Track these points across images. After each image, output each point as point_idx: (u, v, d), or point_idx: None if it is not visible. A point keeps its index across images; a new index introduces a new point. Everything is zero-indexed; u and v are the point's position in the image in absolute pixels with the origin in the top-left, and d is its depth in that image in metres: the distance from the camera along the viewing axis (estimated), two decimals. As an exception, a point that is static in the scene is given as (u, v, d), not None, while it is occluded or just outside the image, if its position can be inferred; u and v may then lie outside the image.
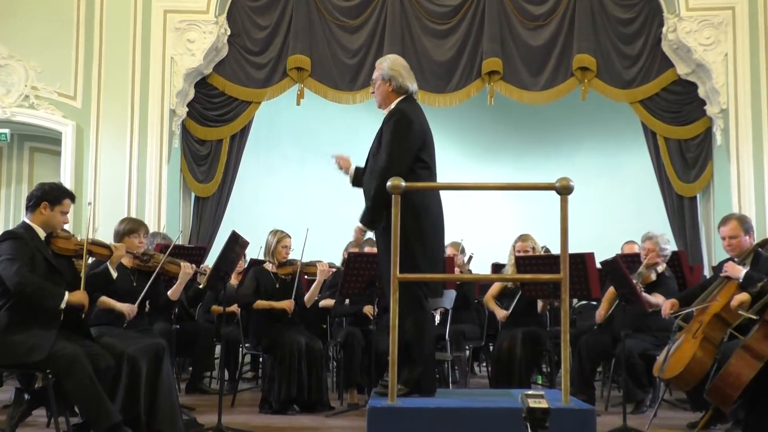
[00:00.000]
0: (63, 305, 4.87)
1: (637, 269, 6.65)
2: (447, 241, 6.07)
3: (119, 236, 5.83)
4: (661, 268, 6.84)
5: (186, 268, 6.03)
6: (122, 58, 9.97)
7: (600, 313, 6.96)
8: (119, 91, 9.93)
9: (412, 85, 4.81)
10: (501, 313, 7.51)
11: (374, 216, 4.57)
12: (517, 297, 7.40)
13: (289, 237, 7.27)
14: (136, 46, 9.99)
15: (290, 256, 7.26)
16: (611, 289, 6.75)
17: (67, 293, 4.91)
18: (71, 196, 5.22)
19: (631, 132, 11.38)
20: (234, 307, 7.82)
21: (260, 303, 7.05)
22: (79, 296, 4.97)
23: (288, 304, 7.00)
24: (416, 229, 4.50)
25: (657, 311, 6.33)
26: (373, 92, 4.92)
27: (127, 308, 5.71)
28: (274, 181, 12.31)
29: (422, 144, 4.63)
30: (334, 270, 7.62)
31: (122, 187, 9.83)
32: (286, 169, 12.44)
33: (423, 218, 4.54)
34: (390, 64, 4.82)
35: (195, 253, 7.11)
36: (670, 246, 7.12)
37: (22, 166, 10.93)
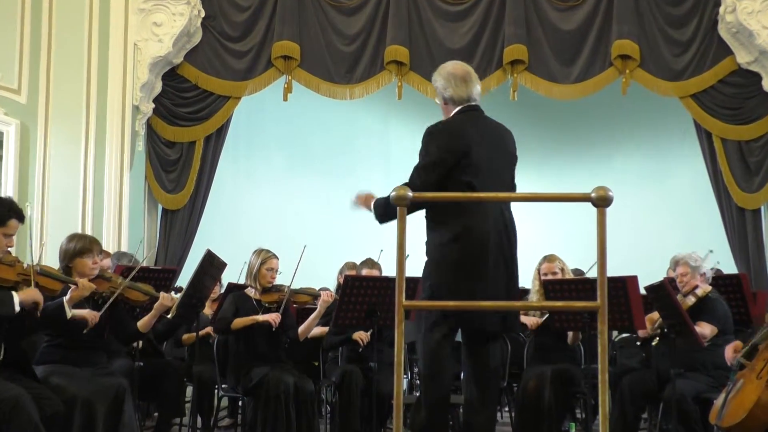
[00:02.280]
0: (17, 308, 4.84)
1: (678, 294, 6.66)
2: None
3: (68, 257, 5.78)
4: (702, 290, 6.83)
5: (165, 299, 6.02)
6: (76, 45, 9.99)
7: (644, 330, 6.92)
8: (72, 84, 9.94)
9: (461, 93, 5.11)
10: (531, 321, 7.49)
11: (383, 215, 4.99)
12: (544, 318, 7.38)
13: (276, 258, 7.27)
14: (92, 31, 10.01)
15: (277, 281, 7.26)
16: (653, 314, 6.75)
17: (15, 293, 4.87)
18: (19, 216, 5.13)
19: (682, 132, 11.37)
20: (209, 329, 7.80)
21: (239, 320, 7.04)
22: (31, 293, 4.92)
23: (272, 317, 6.98)
24: (445, 254, 4.81)
25: (714, 344, 6.31)
26: None
27: (89, 314, 5.65)
28: (256, 191, 12.31)
29: (459, 161, 4.88)
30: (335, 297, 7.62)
31: (75, 197, 9.83)
32: (271, 177, 12.45)
33: (460, 241, 4.79)
34: (437, 76, 5.21)
35: (162, 276, 7.10)
36: (705, 260, 7.09)
37: (-44, 173, 10.95)
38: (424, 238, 5.05)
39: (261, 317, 7.02)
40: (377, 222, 5.13)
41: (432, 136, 4.96)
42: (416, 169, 4.95)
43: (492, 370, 5.16)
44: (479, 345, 5.11)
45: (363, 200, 5.23)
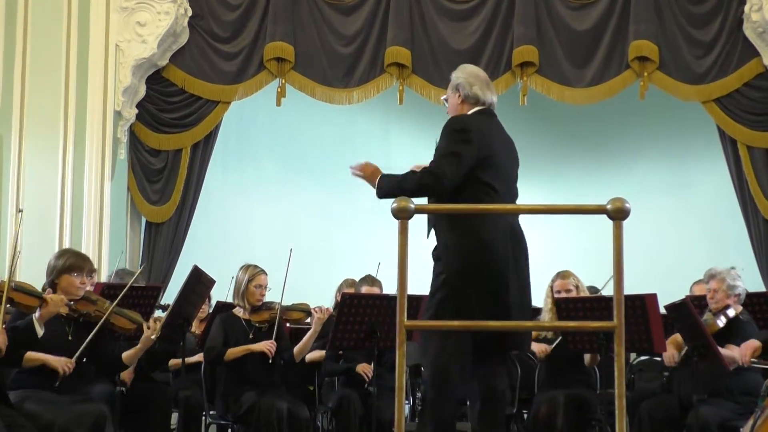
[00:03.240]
0: None
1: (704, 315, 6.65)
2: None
3: (56, 272, 5.79)
4: (733, 311, 6.82)
5: (149, 335, 5.99)
6: (53, 47, 9.98)
7: (670, 355, 6.91)
8: (49, 88, 9.94)
9: (485, 95, 5.31)
10: (540, 348, 7.49)
11: (388, 190, 5.11)
12: (556, 342, 7.37)
13: (265, 274, 7.27)
14: (71, 32, 10.01)
15: (267, 298, 7.25)
16: (677, 335, 6.73)
17: None
18: None
19: (704, 140, 11.36)
20: (198, 357, 7.79)
21: (233, 351, 7.03)
22: None
23: (267, 346, 6.97)
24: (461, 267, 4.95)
25: (740, 368, 6.30)
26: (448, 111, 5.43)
27: (63, 363, 5.66)
28: (247, 202, 12.30)
29: (483, 161, 5.03)
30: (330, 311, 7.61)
31: (52, 210, 9.81)
32: (263, 188, 12.44)
33: (477, 255, 4.93)
34: (459, 72, 5.41)
35: (147, 294, 7.10)
36: (742, 283, 7.10)
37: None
38: (424, 250, 5.06)
39: (255, 346, 7.01)
40: (377, 196, 5.21)
41: (461, 129, 5.07)
42: (443, 156, 5.03)
43: (499, 393, 5.16)
44: (485, 365, 5.11)
45: (369, 172, 5.26)
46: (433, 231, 5.17)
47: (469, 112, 5.28)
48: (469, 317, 4.74)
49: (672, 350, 6.93)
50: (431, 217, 5.17)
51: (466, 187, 4.99)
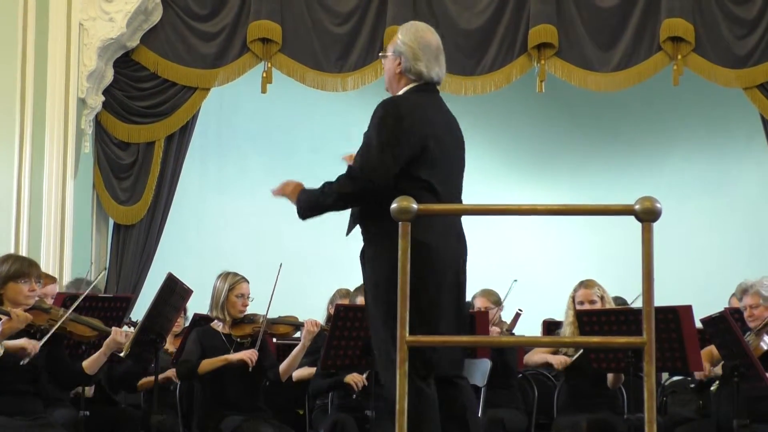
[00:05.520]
0: None
1: (747, 331, 6.66)
2: (475, 288, 6.06)
3: (1, 280, 5.81)
4: (778, 326, 6.85)
5: (118, 335, 6.02)
6: (7, 26, 9.98)
7: (703, 369, 6.92)
8: (3, 73, 9.94)
9: (431, 72, 5.09)
10: (558, 360, 7.50)
11: (308, 210, 5.03)
12: (576, 355, 7.38)
13: (247, 282, 7.29)
14: (27, 9, 9.99)
15: (250, 309, 7.26)
16: (711, 347, 6.75)
17: None
18: None
19: (746, 130, 11.38)
20: (170, 374, 7.80)
21: (207, 362, 7.03)
22: None
23: (247, 354, 6.97)
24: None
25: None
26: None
27: (28, 342, 5.65)
28: (229, 202, 12.32)
29: (418, 154, 4.88)
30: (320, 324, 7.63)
31: (7, 210, 9.81)
32: (246, 186, 12.45)
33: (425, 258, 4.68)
34: (406, 35, 5.13)
35: (114, 306, 7.11)
36: None
37: None
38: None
39: (233, 356, 7.02)
40: (298, 216, 5.10)
41: (395, 116, 4.92)
42: (370, 149, 4.89)
43: (458, 405, 5.07)
44: (447, 390, 5.03)
45: (290, 190, 5.15)
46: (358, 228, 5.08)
47: (404, 89, 5.10)
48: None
49: (704, 362, 6.94)
50: (354, 211, 5.08)
51: (395, 186, 4.76)
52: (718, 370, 6.87)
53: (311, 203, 5.00)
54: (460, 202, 5.08)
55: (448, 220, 4.94)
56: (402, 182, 4.80)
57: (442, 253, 4.86)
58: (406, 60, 5.06)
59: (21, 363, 5.58)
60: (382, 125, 4.91)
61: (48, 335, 5.80)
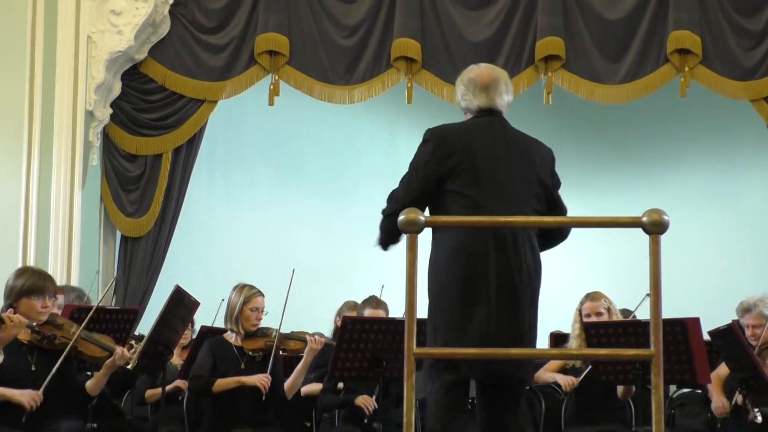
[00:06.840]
0: None
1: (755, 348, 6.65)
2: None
3: (14, 295, 5.79)
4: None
5: (119, 358, 6.01)
6: (16, 38, 10.00)
7: (720, 405, 6.90)
8: (12, 85, 9.94)
9: (482, 101, 5.29)
10: (566, 380, 7.48)
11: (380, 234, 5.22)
12: (585, 373, 7.37)
13: (262, 296, 7.28)
14: (36, 21, 10.02)
15: (263, 323, 7.26)
16: (723, 367, 6.72)
17: None
18: None
19: (754, 143, 11.37)
20: (179, 383, 7.78)
21: (222, 383, 7.03)
22: None
23: (261, 380, 6.97)
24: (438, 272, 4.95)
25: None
26: None
27: (28, 396, 5.67)
28: (236, 213, 12.32)
29: (453, 169, 5.03)
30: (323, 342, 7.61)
31: (15, 223, 9.81)
32: (254, 197, 12.46)
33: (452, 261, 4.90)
34: (459, 82, 5.44)
35: (121, 318, 7.10)
36: None
37: None
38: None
39: (248, 379, 7.00)
40: (380, 248, 5.24)
41: (423, 140, 5.16)
42: (403, 175, 5.15)
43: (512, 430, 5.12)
44: (496, 399, 5.09)
45: None
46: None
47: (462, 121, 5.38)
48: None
49: (720, 397, 6.91)
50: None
51: (434, 197, 5.05)
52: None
53: (379, 227, 5.21)
54: (521, 211, 5.14)
55: (488, 228, 5.04)
56: (437, 195, 5.05)
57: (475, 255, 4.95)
58: (460, 104, 5.37)
59: (23, 420, 5.60)
60: (416, 151, 5.16)
61: (61, 358, 5.77)
